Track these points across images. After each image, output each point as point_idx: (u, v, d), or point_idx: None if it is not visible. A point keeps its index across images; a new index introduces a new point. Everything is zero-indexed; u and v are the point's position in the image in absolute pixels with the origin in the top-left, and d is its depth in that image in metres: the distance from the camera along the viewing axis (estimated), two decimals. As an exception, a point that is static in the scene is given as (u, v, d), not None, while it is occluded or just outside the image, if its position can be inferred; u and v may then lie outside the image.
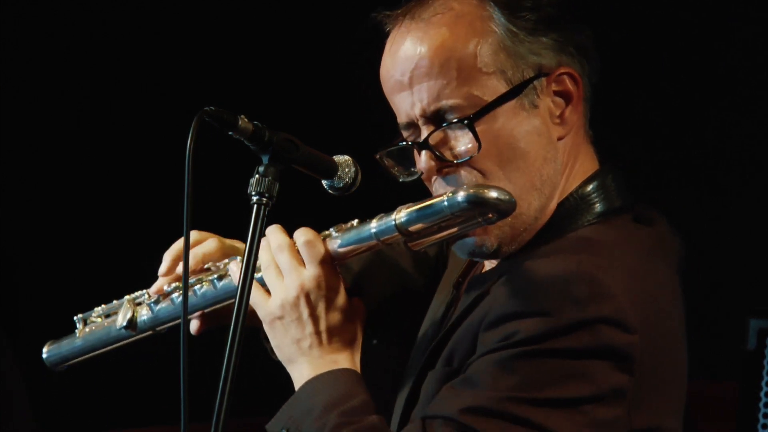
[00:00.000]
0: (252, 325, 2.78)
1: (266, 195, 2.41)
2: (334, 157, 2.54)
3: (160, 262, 2.85)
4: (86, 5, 4.84)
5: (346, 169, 2.54)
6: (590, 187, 2.55)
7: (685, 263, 2.57)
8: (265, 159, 2.44)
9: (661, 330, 2.43)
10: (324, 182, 2.56)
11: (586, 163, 2.58)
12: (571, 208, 2.54)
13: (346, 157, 2.55)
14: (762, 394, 3.97)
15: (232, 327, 2.35)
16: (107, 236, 4.88)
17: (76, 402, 4.80)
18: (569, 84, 2.54)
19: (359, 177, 2.55)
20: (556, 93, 2.53)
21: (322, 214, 2.72)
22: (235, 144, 2.48)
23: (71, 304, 2.98)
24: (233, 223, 2.71)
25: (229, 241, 2.80)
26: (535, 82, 2.50)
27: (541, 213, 2.53)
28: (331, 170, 2.53)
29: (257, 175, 2.42)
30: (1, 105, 4.81)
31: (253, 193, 2.41)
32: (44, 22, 4.83)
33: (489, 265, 2.64)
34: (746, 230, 4.68)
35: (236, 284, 2.61)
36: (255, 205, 2.41)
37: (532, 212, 2.52)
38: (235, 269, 2.64)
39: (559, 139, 2.53)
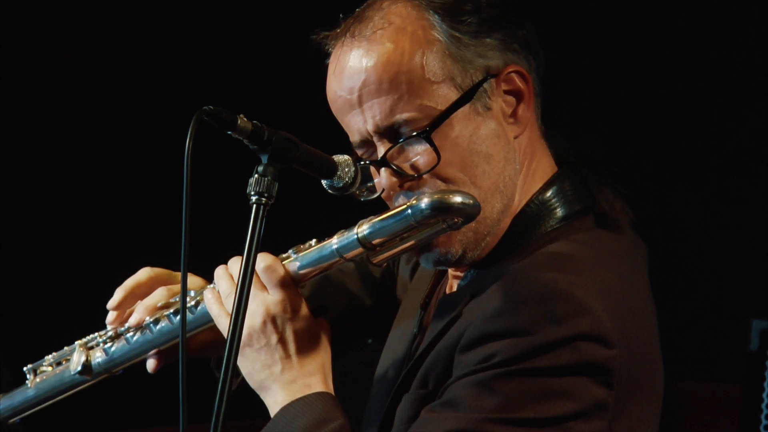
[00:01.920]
0: (203, 356, 2.78)
1: (265, 195, 2.39)
2: (334, 156, 2.53)
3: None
4: (86, 5, 4.83)
5: (346, 169, 2.53)
6: (550, 193, 2.54)
7: (649, 265, 2.58)
8: (264, 158, 2.42)
9: (639, 341, 2.43)
10: (323, 182, 2.54)
11: (543, 162, 2.58)
12: (533, 214, 2.53)
13: (346, 157, 2.54)
14: (765, 395, 3.95)
15: (230, 327, 2.33)
16: (105, 237, 4.87)
17: (74, 403, 4.78)
18: (518, 82, 2.53)
19: (359, 177, 2.54)
20: (507, 92, 2.52)
21: (321, 214, 2.71)
22: (234, 143, 2.46)
23: (69, 304, 2.97)
24: (232, 223, 2.70)
25: (178, 285, 2.78)
26: (485, 85, 2.49)
27: (503, 215, 2.52)
28: (331, 170, 2.51)
29: (256, 175, 2.40)
30: (0, 105, 4.80)
31: (252, 192, 2.40)
32: (44, 22, 4.82)
33: (456, 281, 2.62)
34: (749, 231, 4.66)
35: (205, 313, 2.62)
36: (254, 205, 2.39)
37: (495, 215, 2.51)
38: (210, 297, 2.61)
39: (515, 137, 2.53)
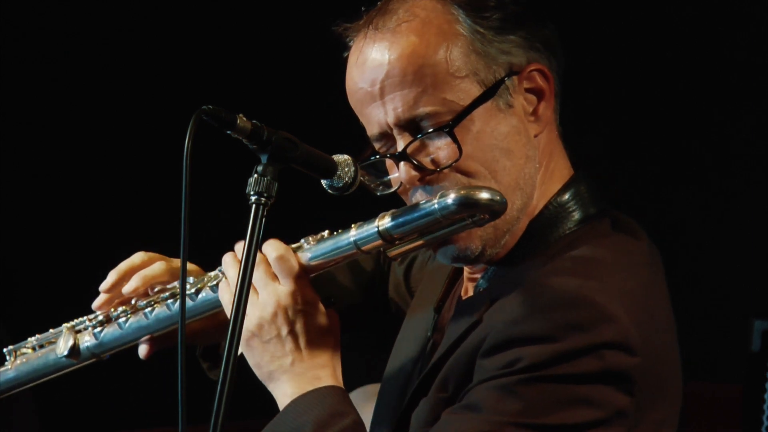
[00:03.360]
0: (191, 343, 2.77)
1: (265, 194, 2.37)
2: (334, 156, 2.51)
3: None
4: (86, 5, 4.83)
5: (346, 169, 2.50)
6: (567, 196, 2.53)
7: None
8: (263, 158, 2.40)
9: (661, 348, 2.43)
10: (323, 182, 2.53)
11: (560, 163, 2.57)
12: (551, 216, 2.52)
13: (346, 157, 2.52)
14: (766, 395, 3.95)
15: (230, 328, 2.32)
16: (104, 236, 4.87)
17: (75, 404, 4.78)
18: (540, 80, 2.52)
19: (359, 176, 2.52)
20: (528, 90, 2.51)
21: (321, 214, 2.70)
22: (234, 143, 2.45)
23: (70, 303, 2.96)
24: (232, 223, 2.69)
25: (176, 262, 2.77)
26: (507, 82, 2.48)
27: (522, 213, 2.51)
28: (331, 169, 2.49)
29: (256, 175, 2.38)
30: (0, 105, 4.79)
31: (252, 192, 2.37)
32: (44, 22, 4.81)
33: (471, 284, 2.61)
34: (750, 232, 4.66)
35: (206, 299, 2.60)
36: (253, 205, 2.37)
37: (515, 212, 2.50)
38: (224, 284, 2.59)
39: (535, 136, 2.52)
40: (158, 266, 2.75)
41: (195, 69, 4.91)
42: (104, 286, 2.77)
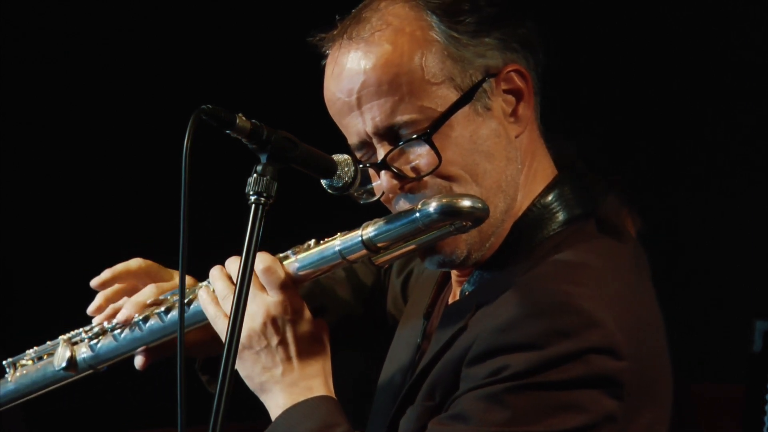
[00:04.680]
0: (188, 356, 2.76)
1: (264, 194, 2.37)
2: (333, 156, 2.51)
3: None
4: (86, 5, 4.83)
5: (345, 168, 2.50)
6: (551, 197, 2.52)
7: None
8: (263, 158, 2.39)
9: (648, 351, 2.41)
10: (323, 181, 2.52)
11: (543, 162, 2.56)
12: (535, 217, 2.51)
13: (346, 156, 2.52)
14: (768, 396, 3.94)
15: (229, 330, 2.31)
16: (103, 236, 4.87)
17: (72, 405, 4.77)
18: (518, 80, 2.50)
19: (359, 176, 2.51)
20: (506, 91, 2.50)
21: (321, 214, 2.70)
22: (233, 143, 2.45)
23: (66, 305, 2.95)
24: (231, 223, 2.68)
25: (167, 283, 2.76)
26: (485, 84, 2.47)
27: (506, 215, 2.50)
28: (330, 169, 2.49)
29: (255, 174, 2.37)
30: (0, 105, 4.79)
31: (251, 192, 2.37)
32: (44, 22, 4.81)
33: (459, 288, 2.60)
34: (752, 232, 4.66)
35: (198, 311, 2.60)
36: (253, 205, 2.36)
37: (499, 215, 2.49)
38: (205, 297, 2.59)
39: (516, 137, 2.51)
40: (149, 290, 2.75)
41: (195, 69, 4.91)
42: (96, 281, 2.77)
